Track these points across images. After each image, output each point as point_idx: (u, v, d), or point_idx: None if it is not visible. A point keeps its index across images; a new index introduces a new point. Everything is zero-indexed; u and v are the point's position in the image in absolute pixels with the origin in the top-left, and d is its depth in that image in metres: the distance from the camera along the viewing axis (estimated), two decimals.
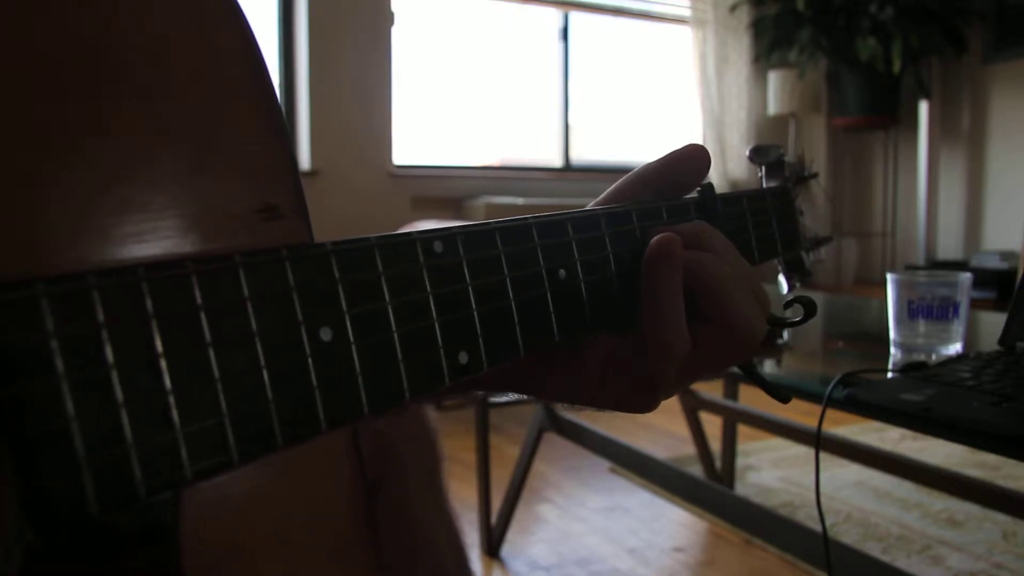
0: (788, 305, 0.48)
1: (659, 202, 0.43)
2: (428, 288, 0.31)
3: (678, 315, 0.37)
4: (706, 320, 0.38)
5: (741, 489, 2.12)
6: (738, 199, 0.49)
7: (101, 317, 0.23)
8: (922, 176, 4.63)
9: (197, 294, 0.25)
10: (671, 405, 2.37)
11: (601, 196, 0.44)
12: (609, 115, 4.47)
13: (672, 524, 1.96)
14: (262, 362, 0.26)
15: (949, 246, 4.60)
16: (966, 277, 0.97)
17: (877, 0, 4.17)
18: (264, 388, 0.26)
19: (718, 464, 2.13)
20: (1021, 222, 4.01)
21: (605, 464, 2.23)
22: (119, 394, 0.23)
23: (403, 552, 0.58)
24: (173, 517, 0.25)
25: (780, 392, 0.47)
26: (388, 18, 3.71)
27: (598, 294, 0.39)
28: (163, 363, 0.24)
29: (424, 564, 0.59)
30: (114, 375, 0.23)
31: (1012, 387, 0.76)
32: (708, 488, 1.91)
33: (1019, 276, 1.03)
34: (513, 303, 0.35)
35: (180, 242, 0.26)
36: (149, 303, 0.24)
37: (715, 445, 2.14)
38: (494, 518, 1.87)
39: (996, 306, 3.40)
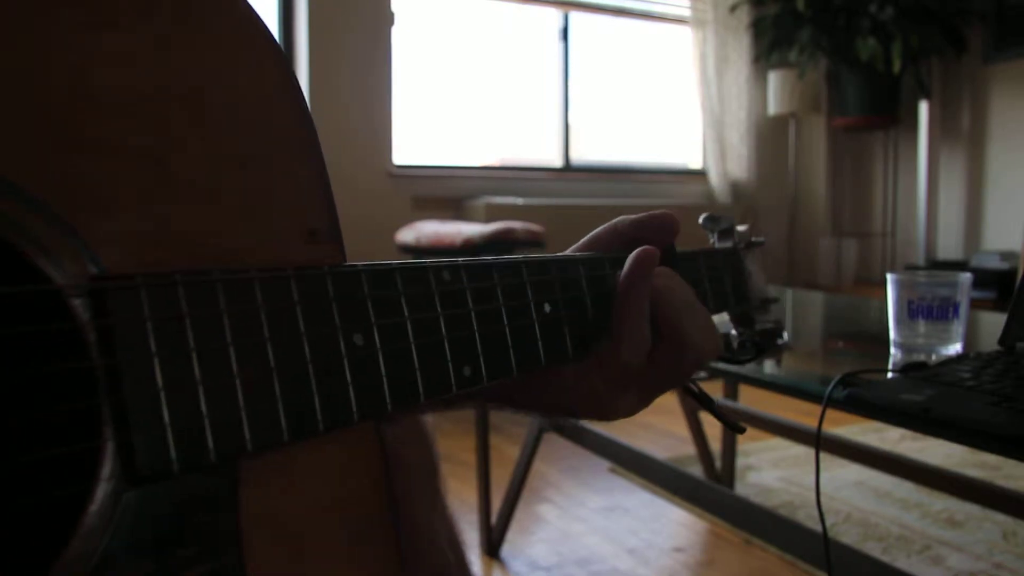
0: (741, 346, 0.58)
1: (625, 254, 0.49)
2: (439, 309, 0.37)
3: (643, 315, 0.44)
4: (662, 339, 0.45)
5: (741, 489, 2.12)
6: (695, 256, 0.56)
7: (185, 307, 0.28)
8: (922, 176, 4.63)
9: (259, 296, 0.30)
10: (671, 405, 2.37)
11: (580, 241, 0.51)
12: (609, 115, 4.47)
13: (672, 524, 1.96)
14: (308, 357, 0.31)
15: (949, 246, 4.60)
16: (966, 277, 0.97)
17: (877, 0, 4.17)
18: (309, 379, 0.31)
19: (718, 464, 2.13)
20: (1021, 222, 4.01)
21: (605, 464, 2.23)
22: (197, 372, 0.28)
23: (405, 552, 0.58)
24: (233, 481, 0.29)
25: (732, 423, 0.53)
26: (388, 18, 3.71)
27: (576, 327, 0.45)
28: (231, 351, 0.29)
29: (425, 564, 0.60)
30: (194, 356, 0.28)
31: (1012, 387, 0.76)
32: (708, 488, 1.91)
33: (1019, 276, 1.03)
34: (507, 328, 0.40)
35: (244, 260, 0.31)
36: (222, 300, 0.29)
37: (715, 445, 2.14)
38: (494, 518, 1.87)
39: (996, 306, 3.40)
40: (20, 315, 0.26)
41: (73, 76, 0.27)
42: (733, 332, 0.59)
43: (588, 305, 0.46)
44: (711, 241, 0.61)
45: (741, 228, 0.60)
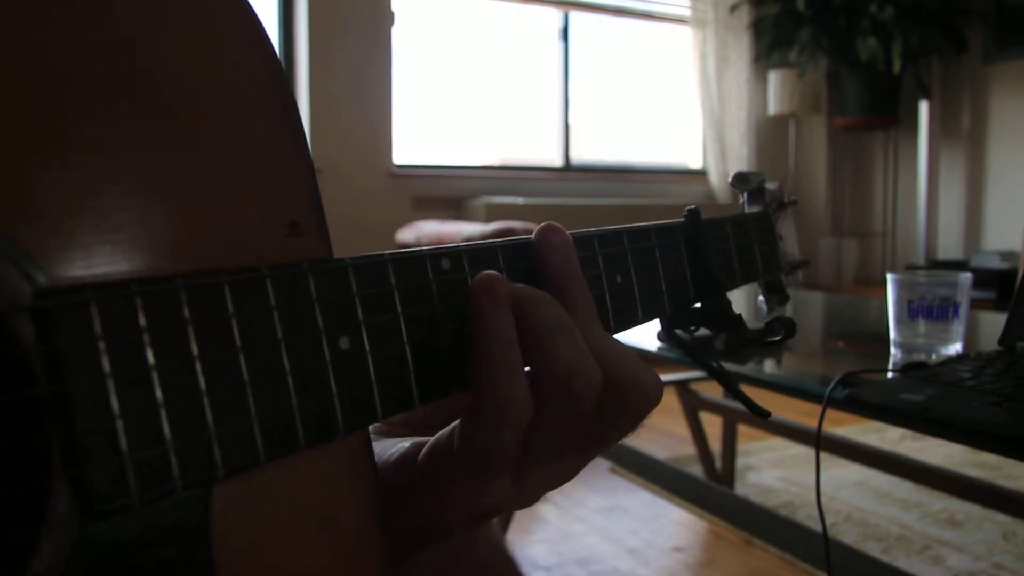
0: (769, 324, 0.50)
1: (648, 225, 0.44)
2: (436, 301, 0.33)
3: (513, 365, 0.32)
4: (533, 376, 0.33)
5: (741, 489, 2.12)
6: (722, 223, 0.50)
7: (143, 322, 0.25)
8: (922, 176, 4.63)
9: (229, 303, 0.26)
10: (671, 405, 2.37)
11: None
12: (609, 115, 4.47)
13: (672, 524, 1.96)
14: (287, 368, 0.28)
15: (949, 246, 4.60)
16: (966, 277, 0.97)
17: (877, 0, 4.17)
18: (289, 393, 0.28)
19: (718, 464, 2.13)
20: (1021, 222, 4.01)
21: (605, 464, 2.23)
22: (159, 394, 0.25)
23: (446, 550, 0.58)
24: (205, 510, 0.27)
25: (756, 408, 0.46)
26: (388, 18, 3.71)
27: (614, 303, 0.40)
28: (198, 366, 0.25)
29: (468, 559, 0.59)
30: (155, 376, 0.25)
31: (1012, 387, 0.76)
32: (708, 488, 1.91)
33: (1019, 276, 1.03)
34: None
35: (215, 256, 0.28)
36: (186, 310, 0.25)
37: (715, 445, 2.14)
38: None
39: (996, 306, 3.40)
40: None
41: (13, 57, 0.24)
42: (761, 298, 0.55)
43: (636, 283, 0.42)
44: (740, 202, 0.58)
45: (771, 187, 0.57)
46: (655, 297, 0.43)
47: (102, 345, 0.24)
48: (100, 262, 0.25)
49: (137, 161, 0.26)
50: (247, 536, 0.28)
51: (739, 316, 0.47)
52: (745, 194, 0.57)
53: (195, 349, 0.25)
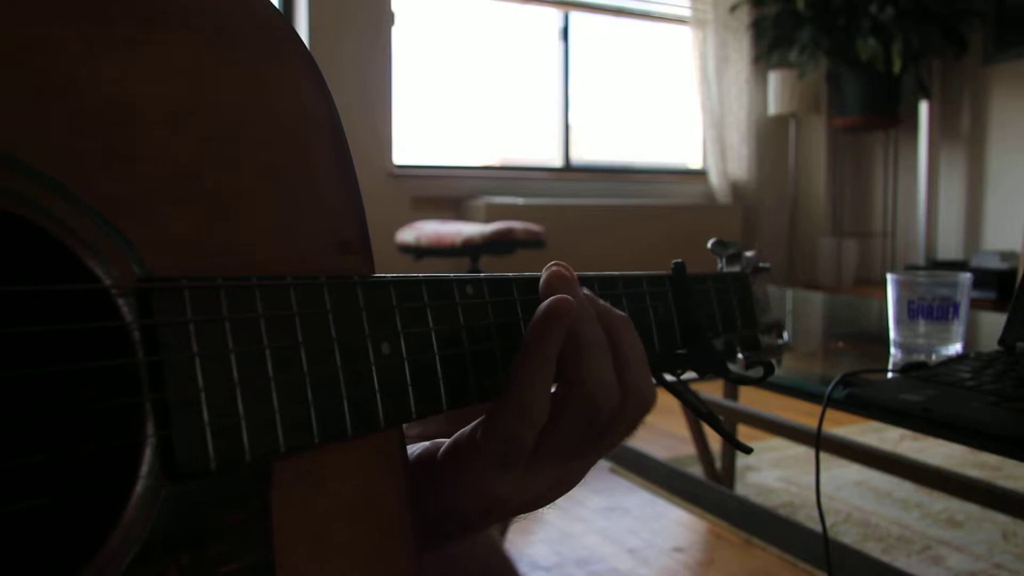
0: (749, 366, 0.58)
1: (640, 274, 0.49)
2: (462, 321, 0.38)
3: (548, 376, 0.37)
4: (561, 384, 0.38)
5: (741, 489, 2.12)
6: (704, 279, 0.56)
7: (225, 311, 0.29)
8: (922, 176, 4.63)
9: (294, 302, 0.31)
10: (671, 405, 2.37)
11: None
12: (609, 115, 4.47)
13: (672, 524, 1.96)
14: (339, 363, 0.32)
15: (949, 246, 4.60)
16: (966, 277, 0.97)
17: (877, 0, 4.17)
18: (340, 385, 0.32)
19: (718, 464, 2.12)
20: (1021, 222, 4.01)
21: (605, 464, 2.23)
22: (236, 374, 0.29)
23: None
24: (267, 481, 0.30)
25: (739, 444, 0.52)
26: (388, 18, 3.71)
27: None
28: (267, 354, 0.30)
29: (470, 559, 0.61)
30: (233, 358, 0.29)
31: (1012, 387, 0.76)
32: (708, 488, 1.91)
33: (1019, 276, 1.03)
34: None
35: (275, 266, 0.32)
36: (259, 305, 0.30)
37: (715, 445, 2.14)
38: None
39: (996, 306, 3.40)
40: (69, 312, 0.27)
41: (115, 88, 0.28)
42: (740, 356, 0.60)
43: (646, 320, 0.47)
44: (719, 266, 0.62)
45: (748, 254, 0.62)
46: (646, 339, 0.48)
47: (191, 327, 0.28)
48: (184, 261, 0.29)
49: (212, 179, 0.30)
50: (300, 509, 0.31)
51: (723, 360, 0.54)
52: (724, 259, 0.62)
53: (265, 339, 0.30)
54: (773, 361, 0.59)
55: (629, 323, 0.41)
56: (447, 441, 0.40)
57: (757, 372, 0.58)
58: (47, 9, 0.27)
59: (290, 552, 0.30)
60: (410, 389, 0.34)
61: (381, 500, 0.34)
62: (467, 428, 0.39)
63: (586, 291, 0.40)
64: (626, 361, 0.39)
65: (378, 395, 0.33)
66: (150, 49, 0.29)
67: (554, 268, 0.40)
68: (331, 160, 0.35)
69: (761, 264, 0.62)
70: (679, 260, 0.51)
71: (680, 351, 0.51)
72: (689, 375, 0.51)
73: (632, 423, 0.40)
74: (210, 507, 0.28)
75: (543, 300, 0.38)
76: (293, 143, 0.33)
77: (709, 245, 0.63)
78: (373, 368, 0.33)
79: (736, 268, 0.61)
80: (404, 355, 0.34)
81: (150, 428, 0.27)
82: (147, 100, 0.29)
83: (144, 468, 0.27)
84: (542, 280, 0.40)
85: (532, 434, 0.37)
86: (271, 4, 0.34)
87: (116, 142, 0.28)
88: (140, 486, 0.27)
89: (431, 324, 0.36)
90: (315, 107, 0.35)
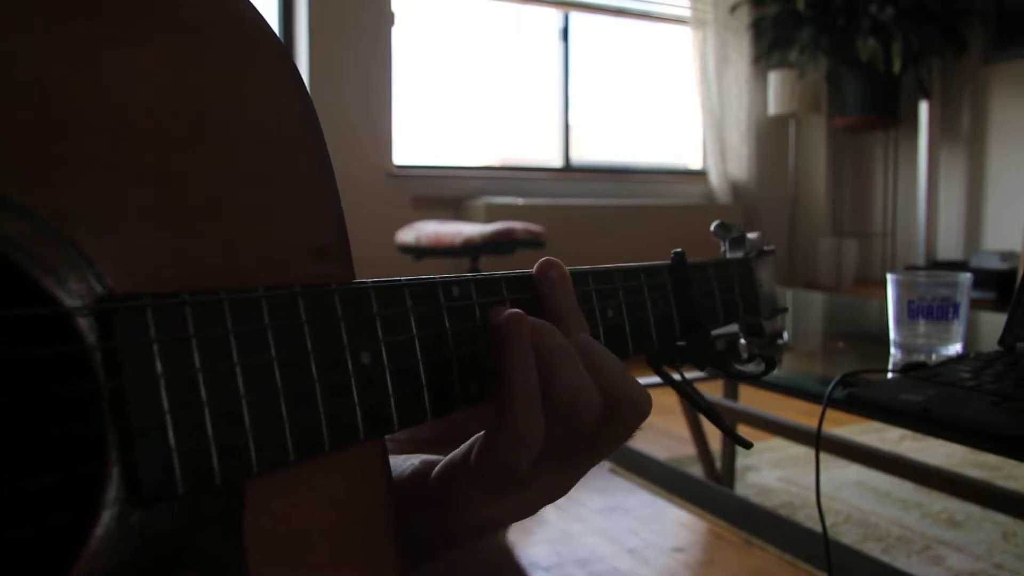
0: (750, 360, 0.55)
1: (637, 265, 0.48)
2: (447, 325, 0.36)
3: (533, 392, 0.35)
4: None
5: (741, 489, 2.12)
6: (705, 267, 0.54)
7: (192, 328, 0.27)
8: (922, 176, 4.63)
9: (266, 315, 0.29)
10: (671, 405, 2.37)
11: None
12: (609, 115, 4.47)
13: (672, 524, 1.96)
14: (315, 377, 0.30)
15: (949, 246, 4.60)
16: (966, 277, 0.97)
17: (877, 0, 4.17)
18: (316, 400, 0.30)
19: (718, 464, 2.12)
20: (1021, 222, 4.01)
21: (605, 464, 2.23)
22: (204, 394, 0.27)
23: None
24: (239, 503, 0.29)
25: (739, 439, 0.51)
26: (388, 18, 3.71)
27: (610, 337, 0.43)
28: (238, 372, 0.28)
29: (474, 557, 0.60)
30: (200, 378, 0.27)
31: (1012, 387, 0.76)
32: (708, 488, 1.91)
33: (1019, 276, 1.03)
34: None
35: (249, 275, 0.30)
36: (229, 320, 0.28)
37: (715, 445, 2.14)
38: None
39: (996, 306, 3.40)
40: (25, 335, 0.26)
41: (74, 92, 0.27)
42: (743, 342, 0.58)
43: (627, 318, 0.45)
44: (722, 249, 0.60)
45: (752, 236, 0.60)
46: (644, 332, 0.47)
47: (156, 347, 0.26)
48: (148, 273, 0.27)
49: (180, 186, 0.29)
50: (275, 530, 0.30)
51: (722, 353, 0.52)
52: (727, 242, 0.60)
53: (236, 357, 0.28)
54: (774, 356, 0.57)
55: (582, 327, 0.40)
56: (439, 463, 0.38)
57: (758, 365, 0.57)
58: (9, 7, 0.26)
59: (267, 574, 0.29)
60: (392, 400, 0.33)
61: (361, 516, 0.33)
62: (459, 450, 0.37)
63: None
64: (597, 367, 0.37)
65: (358, 408, 0.32)
66: (113, 51, 0.28)
67: (544, 261, 0.40)
68: (307, 163, 0.33)
69: (766, 247, 0.60)
70: (679, 250, 0.50)
71: (679, 343, 0.49)
72: (691, 373, 0.51)
73: (627, 427, 0.39)
74: (180, 532, 0.27)
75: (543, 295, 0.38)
76: (266, 146, 0.32)
77: (712, 228, 0.61)
78: (352, 380, 0.32)
79: (739, 252, 0.59)
80: (385, 364, 0.33)
81: (114, 455, 0.26)
82: (109, 104, 0.27)
83: (109, 496, 0.25)
84: (536, 268, 0.40)
85: (529, 458, 0.35)
86: (250, 3, 0.33)
87: (69, 148, 0.26)
88: (105, 515, 0.25)
89: (414, 330, 0.35)
90: (291, 109, 0.33)
